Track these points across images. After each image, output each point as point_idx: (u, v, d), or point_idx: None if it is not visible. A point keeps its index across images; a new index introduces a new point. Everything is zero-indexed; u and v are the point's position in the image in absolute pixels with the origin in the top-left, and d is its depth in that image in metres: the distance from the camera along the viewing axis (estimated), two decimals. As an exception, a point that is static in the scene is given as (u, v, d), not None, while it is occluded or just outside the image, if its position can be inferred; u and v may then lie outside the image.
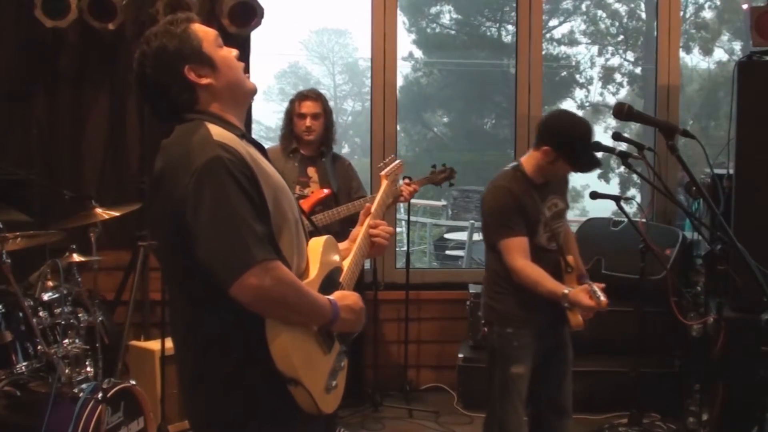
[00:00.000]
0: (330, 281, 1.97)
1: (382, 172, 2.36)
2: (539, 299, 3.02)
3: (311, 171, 4.07)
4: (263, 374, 1.80)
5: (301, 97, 4.08)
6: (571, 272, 3.12)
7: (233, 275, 1.71)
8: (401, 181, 3.92)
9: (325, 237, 2.02)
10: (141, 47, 1.93)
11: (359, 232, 2.17)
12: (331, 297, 1.90)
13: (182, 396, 1.98)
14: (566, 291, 2.95)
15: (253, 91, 2.02)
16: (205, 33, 1.94)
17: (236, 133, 1.88)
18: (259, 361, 1.78)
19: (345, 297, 1.94)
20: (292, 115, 4.09)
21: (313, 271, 1.93)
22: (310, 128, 4.06)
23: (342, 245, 2.15)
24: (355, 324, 1.95)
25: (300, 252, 1.93)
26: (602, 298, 2.86)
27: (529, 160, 3.12)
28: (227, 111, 1.93)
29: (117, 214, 3.92)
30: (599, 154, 3.03)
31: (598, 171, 15.92)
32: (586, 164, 3.07)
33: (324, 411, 1.85)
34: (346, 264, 2.08)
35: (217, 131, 1.82)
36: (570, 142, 3.01)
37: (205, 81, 1.90)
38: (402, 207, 6.30)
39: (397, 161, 2.39)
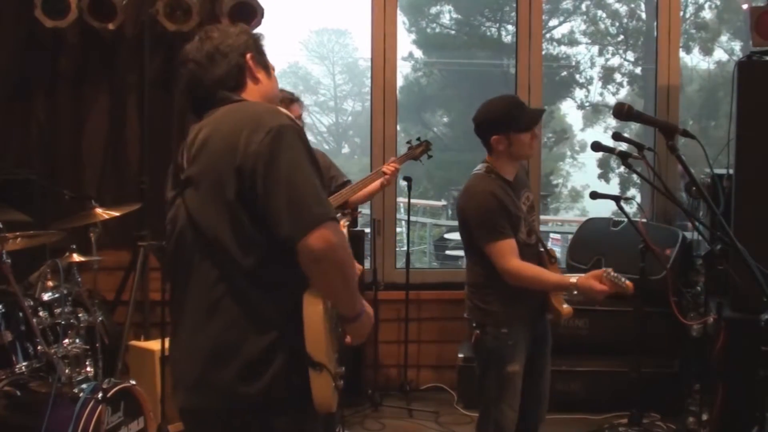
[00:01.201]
0: None
1: (341, 222, 2.50)
2: (526, 294, 3.05)
3: None
4: (288, 354, 1.80)
5: (289, 101, 4.01)
6: (555, 262, 3.16)
7: (313, 223, 1.73)
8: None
9: None
10: (215, 25, 2.07)
11: None
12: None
13: (194, 380, 1.88)
14: (574, 280, 2.96)
15: None
16: (271, 63, 2.11)
17: None
18: (287, 339, 1.80)
19: (368, 306, 1.98)
20: None
21: None
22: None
23: None
24: (365, 332, 1.98)
25: None
26: (627, 281, 2.89)
27: (493, 159, 3.13)
28: None
29: (117, 214, 3.92)
30: (599, 153, 3.07)
31: (598, 171, 15.74)
32: (533, 118, 3.12)
33: (333, 406, 1.86)
34: None
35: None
36: (505, 116, 3.06)
37: (257, 74, 2.01)
38: (402, 207, 6.30)
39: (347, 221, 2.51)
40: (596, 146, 3.05)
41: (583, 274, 2.99)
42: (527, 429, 3.24)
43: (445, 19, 16.17)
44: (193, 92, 2.00)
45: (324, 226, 1.74)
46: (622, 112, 2.46)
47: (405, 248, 4.97)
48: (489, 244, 3.02)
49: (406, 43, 15.48)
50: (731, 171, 4.11)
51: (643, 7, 15.11)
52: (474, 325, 3.14)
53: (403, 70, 15.41)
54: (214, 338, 1.83)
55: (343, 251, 1.79)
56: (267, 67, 2.05)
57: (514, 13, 6.30)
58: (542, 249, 3.17)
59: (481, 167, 3.14)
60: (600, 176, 15.46)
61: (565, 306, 3.11)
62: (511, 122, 3.05)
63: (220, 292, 1.83)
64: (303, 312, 1.79)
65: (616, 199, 3.93)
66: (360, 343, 2.01)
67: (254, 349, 1.81)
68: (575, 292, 2.98)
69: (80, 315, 3.53)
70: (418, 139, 4.22)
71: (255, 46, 2.04)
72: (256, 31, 2.11)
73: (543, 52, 5.38)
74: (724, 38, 15.81)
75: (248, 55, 2.00)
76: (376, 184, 4.10)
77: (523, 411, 3.21)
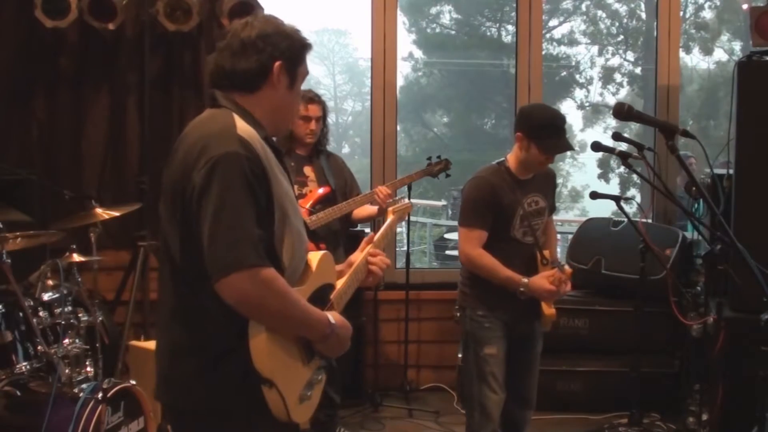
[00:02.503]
0: (320, 296, 1.98)
1: (390, 208, 2.39)
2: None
3: (308, 170, 4.04)
4: (240, 368, 1.80)
5: (307, 100, 4.00)
6: (547, 264, 3.23)
7: (221, 273, 1.72)
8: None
9: (322, 252, 2.03)
10: (271, 16, 1.99)
11: (358, 257, 2.18)
12: (332, 319, 1.91)
13: (162, 376, 1.94)
14: (526, 280, 3.13)
15: (285, 132, 2.06)
16: (307, 70, 2.03)
17: (260, 134, 1.90)
18: (238, 353, 1.79)
19: (344, 327, 1.95)
20: None
21: (305, 281, 1.94)
22: (314, 131, 4.01)
23: (338, 267, 2.16)
24: (335, 353, 1.96)
25: (300, 259, 1.95)
26: (567, 267, 3.15)
27: (511, 154, 3.26)
28: (263, 120, 1.95)
29: (117, 214, 3.92)
30: (599, 153, 3.12)
31: (598, 171, 15.74)
32: (553, 148, 3.19)
33: (294, 419, 1.85)
34: (339, 284, 2.09)
35: (241, 125, 1.85)
36: (537, 127, 3.15)
37: (278, 84, 1.94)
38: (402, 207, 6.29)
39: (407, 202, 2.42)
40: (596, 146, 3.09)
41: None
42: (511, 430, 3.27)
43: (445, 19, 16.16)
44: (213, 75, 1.96)
45: (233, 276, 1.71)
46: (622, 112, 2.47)
47: (405, 248, 4.98)
48: (461, 227, 3.21)
49: (406, 43, 15.48)
50: (731, 171, 4.11)
51: (643, 7, 15.11)
52: (456, 307, 3.31)
53: (403, 70, 15.41)
54: (174, 340, 1.89)
55: (262, 295, 1.74)
56: (294, 80, 1.97)
57: (514, 13, 6.30)
58: (537, 251, 3.25)
59: (499, 160, 3.28)
60: (600, 176, 15.46)
61: (550, 308, 3.24)
62: (539, 135, 3.14)
63: (177, 299, 1.88)
64: (248, 327, 1.78)
65: (616, 199, 3.94)
66: (338, 355, 1.98)
67: (206, 357, 1.84)
68: (521, 289, 3.13)
69: (80, 315, 3.53)
70: (438, 157, 4.25)
71: (292, 54, 1.95)
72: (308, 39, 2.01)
73: (543, 52, 5.38)
74: (724, 38, 15.81)
75: (277, 63, 1.92)
76: (374, 209, 4.04)
77: (506, 412, 3.24)
